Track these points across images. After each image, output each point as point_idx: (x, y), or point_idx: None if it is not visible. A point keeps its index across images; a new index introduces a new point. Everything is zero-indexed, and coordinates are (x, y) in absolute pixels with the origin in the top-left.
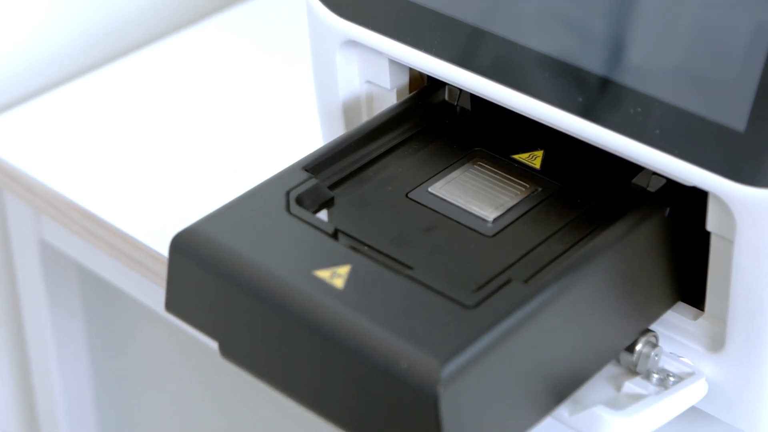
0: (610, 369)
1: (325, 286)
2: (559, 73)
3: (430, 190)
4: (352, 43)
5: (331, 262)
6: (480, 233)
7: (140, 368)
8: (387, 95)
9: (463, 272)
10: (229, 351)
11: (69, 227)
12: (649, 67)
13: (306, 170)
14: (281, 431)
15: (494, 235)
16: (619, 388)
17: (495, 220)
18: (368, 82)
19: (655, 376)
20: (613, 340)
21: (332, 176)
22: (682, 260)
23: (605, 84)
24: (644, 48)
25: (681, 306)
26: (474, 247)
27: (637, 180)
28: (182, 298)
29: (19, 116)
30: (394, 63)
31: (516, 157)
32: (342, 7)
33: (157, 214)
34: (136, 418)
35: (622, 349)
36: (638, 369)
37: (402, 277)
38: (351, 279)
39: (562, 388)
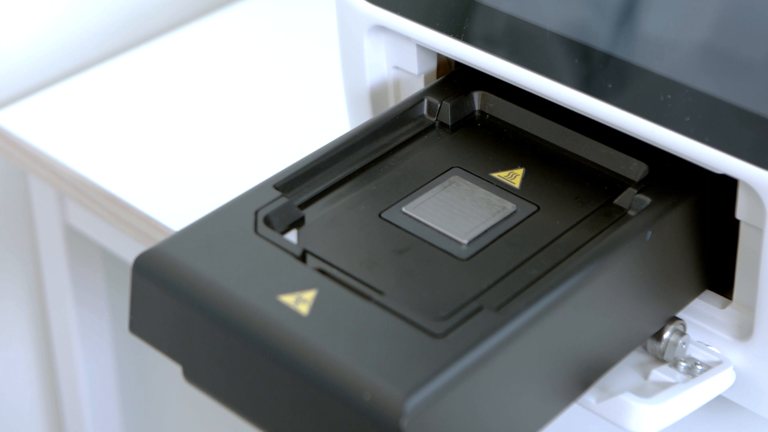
0: (637, 357)
1: (289, 312)
2: (588, 59)
3: (404, 210)
4: (380, 29)
5: (297, 287)
6: (454, 256)
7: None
8: (414, 81)
9: (433, 298)
10: (192, 375)
11: (94, 211)
12: (678, 53)
13: (276, 188)
14: None
15: (468, 259)
16: (646, 375)
17: (470, 242)
18: (396, 67)
19: (683, 364)
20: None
21: (304, 194)
22: (709, 249)
23: (634, 70)
24: (674, 33)
25: (709, 295)
26: (447, 272)
27: (619, 201)
28: (145, 320)
29: (44, 100)
30: (422, 48)
31: (495, 175)
32: None
33: (181, 198)
34: (160, 404)
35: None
36: (666, 357)
37: (369, 303)
38: (316, 304)
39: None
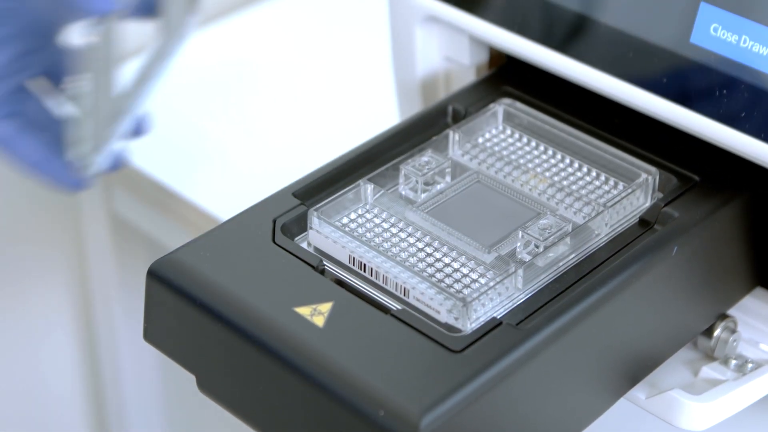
0: (687, 353)
1: (305, 324)
2: (644, 53)
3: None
4: (433, 19)
5: (314, 298)
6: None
7: None
8: (466, 72)
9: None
10: (206, 386)
11: (140, 199)
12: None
13: (295, 196)
14: None
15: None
16: (696, 372)
17: (492, 247)
18: (447, 58)
19: (733, 361)
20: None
21: (323, 202)
22: (760, 246)
23: (687, 64)
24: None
25: (761, 292)
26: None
27: (646, 215)
28: (160, 329)
29: None
30: (475, 40)
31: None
32: None
33: (229, 187)
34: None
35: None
36: (716, 354)
37: (386, 317)
38: (332, 317)
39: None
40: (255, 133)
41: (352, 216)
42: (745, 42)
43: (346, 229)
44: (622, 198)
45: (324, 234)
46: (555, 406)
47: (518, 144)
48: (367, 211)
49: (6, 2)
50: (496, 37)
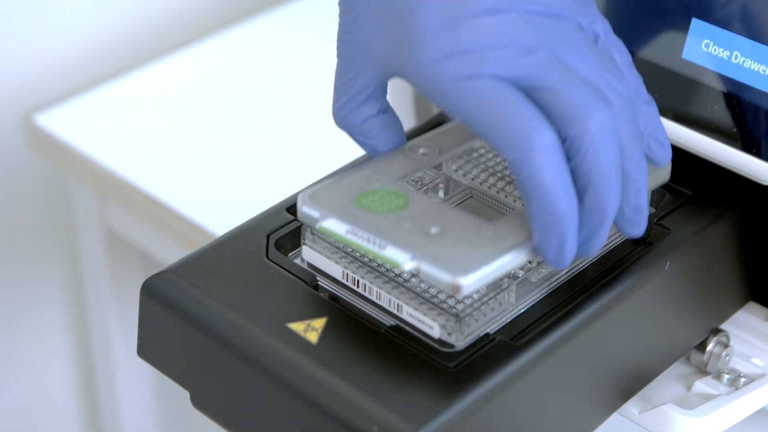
0: (680, 368)
1: (298, 340)
2: (635, 68)
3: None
4: None
5: (307, 314)
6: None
7: None
8: None
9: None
10: (199, 402)
11: (135, 214)
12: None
13: (289, 212)
14: None
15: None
16: (689, 387)
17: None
18: None
19: (726, 376)
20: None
21: None
22: (752, 261)
23: (683, 80)
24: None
25: (753, 306)
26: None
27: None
28: (153, 345)
29: (86, 103)
30: None
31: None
32: None
33: (223, 201)
34: None
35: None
36: (709, 369)
37: (380, 333)
38: (326, 333)
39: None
40: (249, 149)
41: None
42: (736, 58)
43: (340, 245)
44: None
45: (317, 250)
46: (548, 421)
47: None
48: None
49: None
50: None
